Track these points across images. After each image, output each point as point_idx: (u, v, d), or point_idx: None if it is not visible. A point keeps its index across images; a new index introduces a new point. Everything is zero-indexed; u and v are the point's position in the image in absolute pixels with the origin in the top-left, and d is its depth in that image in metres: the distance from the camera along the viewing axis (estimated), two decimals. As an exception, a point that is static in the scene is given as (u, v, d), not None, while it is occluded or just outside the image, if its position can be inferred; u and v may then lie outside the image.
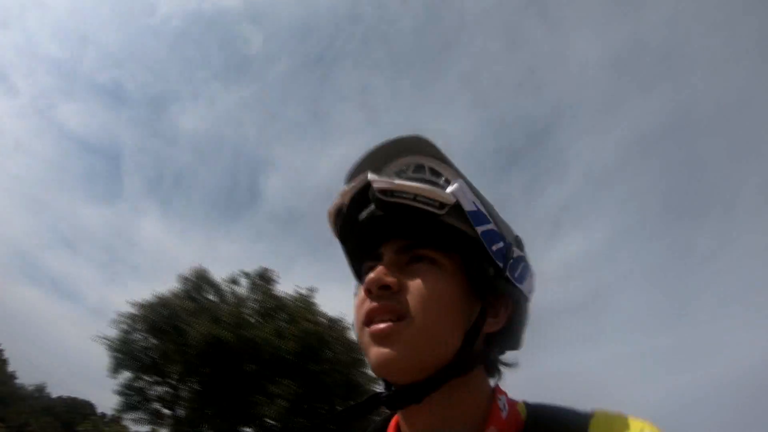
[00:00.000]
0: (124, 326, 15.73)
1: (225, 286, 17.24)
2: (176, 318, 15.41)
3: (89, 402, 37.34)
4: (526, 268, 0.63)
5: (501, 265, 0.58)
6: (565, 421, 0.55)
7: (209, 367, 15.27)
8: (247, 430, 15.86)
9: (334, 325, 16.01)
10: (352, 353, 15.02)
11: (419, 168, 0.60)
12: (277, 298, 16.91)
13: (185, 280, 16.77)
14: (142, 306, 15.81)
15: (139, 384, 15.94)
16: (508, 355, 0.63)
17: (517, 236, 0.64)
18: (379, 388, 0.61)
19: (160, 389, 16.17)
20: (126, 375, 15.72)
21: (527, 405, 0.60)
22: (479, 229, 0.57)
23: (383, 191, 0.55)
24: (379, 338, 0.54)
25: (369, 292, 0.56)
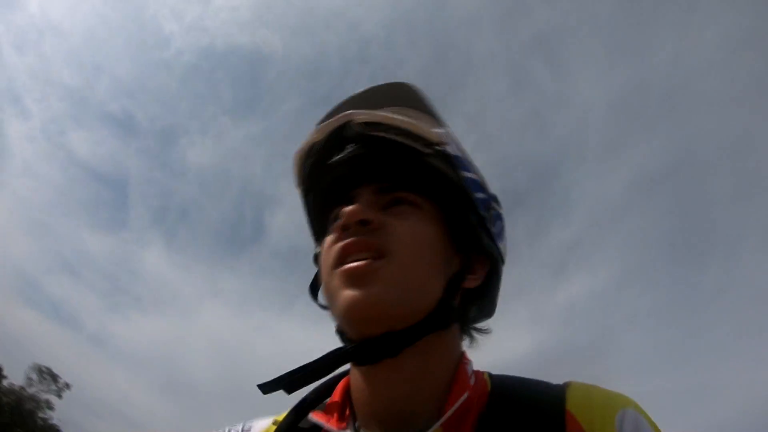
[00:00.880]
0: None
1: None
2: None
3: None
4: (503, 228, 0.60)
5: (484, 215, 0.55)
6: (536, 392, 0.49)
7: None
8: None
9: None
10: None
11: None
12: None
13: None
14: None
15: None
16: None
17: (495, 195, 0.61)
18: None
19: None
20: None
21: (492, 376, 0.53)
22: (464, 175, 0.53)
23: (367, 123, 0.51)
24: (354, 277, 0.46)
25: (345, 228, 0.49)
